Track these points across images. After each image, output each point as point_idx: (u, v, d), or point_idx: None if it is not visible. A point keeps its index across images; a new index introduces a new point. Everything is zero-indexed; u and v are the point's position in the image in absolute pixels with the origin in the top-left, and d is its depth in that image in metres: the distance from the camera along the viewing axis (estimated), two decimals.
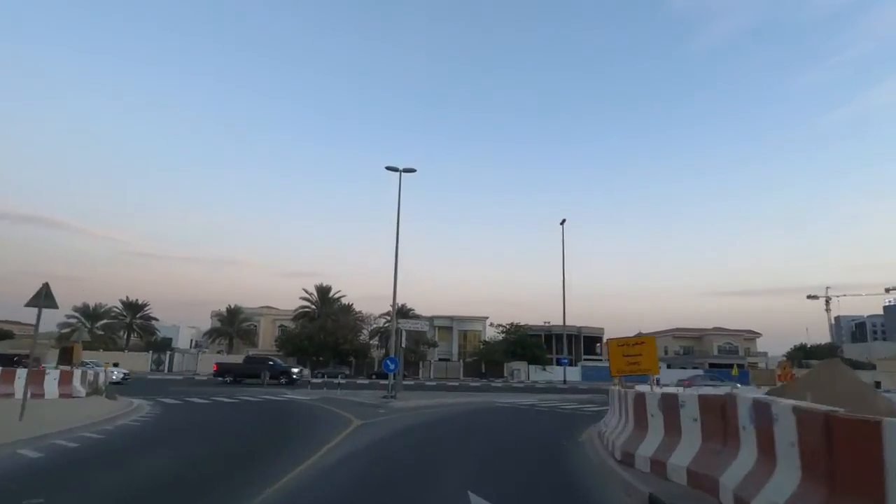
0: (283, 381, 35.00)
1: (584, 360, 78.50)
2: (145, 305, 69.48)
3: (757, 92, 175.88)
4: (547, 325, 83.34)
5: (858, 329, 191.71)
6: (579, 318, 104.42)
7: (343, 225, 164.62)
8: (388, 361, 20.84)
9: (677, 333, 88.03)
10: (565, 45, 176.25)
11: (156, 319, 71.00)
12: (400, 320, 24.18)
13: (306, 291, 62.77)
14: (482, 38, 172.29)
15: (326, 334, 56.51)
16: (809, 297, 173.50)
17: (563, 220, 51.50)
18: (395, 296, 23.72)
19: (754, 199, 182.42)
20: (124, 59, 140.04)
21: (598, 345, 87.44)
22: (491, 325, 72.18)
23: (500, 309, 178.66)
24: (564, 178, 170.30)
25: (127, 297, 68.47)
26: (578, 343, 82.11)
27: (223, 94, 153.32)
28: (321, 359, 60.10)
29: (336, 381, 32.81)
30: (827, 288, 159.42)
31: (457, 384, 44.89)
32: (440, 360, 68.67)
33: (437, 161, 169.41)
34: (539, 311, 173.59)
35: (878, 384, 72.43)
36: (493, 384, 47.51)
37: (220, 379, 36.01)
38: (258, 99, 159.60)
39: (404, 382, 43.30)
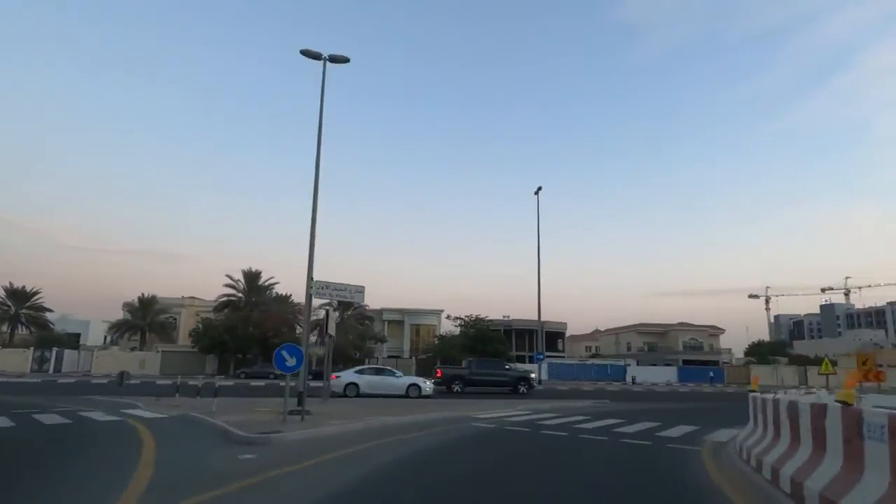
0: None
1: (547, 356, 71.37)
2: (35, 294, 57.06)
3: (708, 103, 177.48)
4: (507, 318, 75.72)
5: (796, 327, 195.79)
6: (542, 311, 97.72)
7: (289, 213, 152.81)
8: (284, 353, 11.37)
9: (641, 329, 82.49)
10: (522, 43, 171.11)
11: (49, 310, 58.64)
12: (318, 282, 15.00)
13: (231, 278, 52.32)
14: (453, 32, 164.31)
15: (252, 326, 46.51)
16: (751, 296, 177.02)
17: (539, 189, 43.55)
18: (313, 252, 14.81)
19: (701, 204, 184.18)
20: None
21: (561, 340, 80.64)
22: (447, 317, 63.79)
23: (455, 304, 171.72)
24: (524, 174, 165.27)
25: (10, 284, 55.98)
26: (540, 337, 74.89)
27: (116, 82, 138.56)
28: (247, 356, 50.04)
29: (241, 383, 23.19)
30: (767, 288, 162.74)
31: None
32: (390, 356, 59.75)
33: (387, 153, 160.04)
34: (496, 306, 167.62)
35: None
36: None
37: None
38: (188, 91, 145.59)
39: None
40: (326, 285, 14.94)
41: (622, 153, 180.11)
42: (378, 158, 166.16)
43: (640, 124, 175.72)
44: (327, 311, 17.20)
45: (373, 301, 61.74)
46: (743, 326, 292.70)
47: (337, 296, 14.20)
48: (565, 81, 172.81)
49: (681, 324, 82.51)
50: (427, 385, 24.73)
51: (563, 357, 75.43)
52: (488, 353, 55.86)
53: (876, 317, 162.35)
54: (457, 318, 59.49)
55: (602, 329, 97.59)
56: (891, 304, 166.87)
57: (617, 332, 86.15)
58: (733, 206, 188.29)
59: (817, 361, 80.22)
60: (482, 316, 59.56)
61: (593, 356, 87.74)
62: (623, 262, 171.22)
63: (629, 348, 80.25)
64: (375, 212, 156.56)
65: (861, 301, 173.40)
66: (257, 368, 45.28)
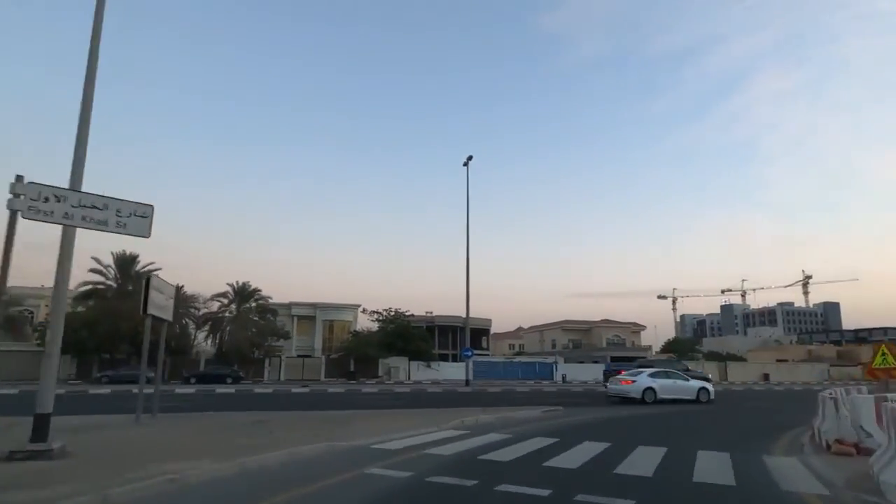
0: None
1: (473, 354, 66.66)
2: None
3: (625, 113, 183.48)
4: (429, 315, 70.14)
5: (700, 326, 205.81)
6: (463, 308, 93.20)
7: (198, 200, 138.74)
8: None
9: (566, 326, 79.86)
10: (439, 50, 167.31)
11: None
12: (31, 185, 7.70)
13: (99, 262, 42.56)
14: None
15: (121, 320, 37.54)
16: (660, 297, 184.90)
17: (469, 159, 37.85)
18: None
19: (614, 212, 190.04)
20: None
21: (485, 338, 76.21)
22: (363, 311, 57.16)
23: (376, 302, 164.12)
24: (447, 170, 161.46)
25: None
26: (464, 334, 70.04)
27: None
28: (116, 356, 40.81)
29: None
30: (674, 290, 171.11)
31: (305, 390, 29.48)
32: (300, 356, 52.24)
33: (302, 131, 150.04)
34: (420, 302, 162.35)
35: (765, 375, 70.44)
36: (364, 387, 32.77)
37: None
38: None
39: (221, 389, 27.05)
40: (52, 194, 7.64)
41: (540, 159, 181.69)
42: (301, 137, 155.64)
43: (561, 131, 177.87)
44: (147, 281, 10.60)
45: (280, 294, 53.99)
46: (653, 325, 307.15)
47: (87, 220, 7.27)
48: (490, 85, 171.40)
49: (604, 320, 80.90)
50: (711, 389, 22.82)
51: (488, 355, 71.07)
52: (408, 351, 49.91)
53: (768, 316, 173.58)
54: (373, 311, 53.07)
55: (526, 327, 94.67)
56: (780, 304, 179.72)
57: (541, 329, 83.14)
58: (645, 214, 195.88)
59: (730, 357, 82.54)
60: (402, 310, 53.51)
61: (517, 354, 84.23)
62: (542, 265, 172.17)
63: (554, 346, 77.34)
64: (289, 199, 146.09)
65: (755, 302, 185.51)
66: (126, 371, 36.59)
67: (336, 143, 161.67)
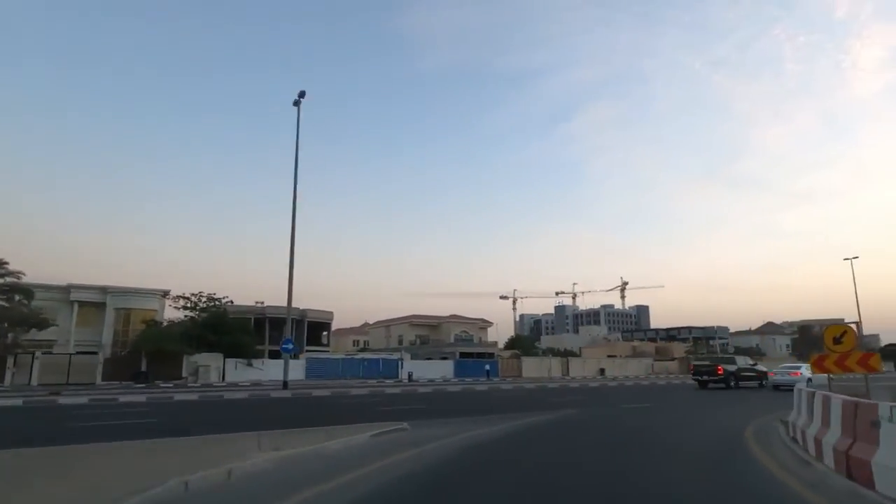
0: None
1: (308, 350, 58.15)
2: None
3: (474, 125, 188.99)
4: (259, 305, 60.09)
5: (536, 325, 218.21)
6: (303, 299, 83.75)
7: None
8: None
9: (414, 321, 74.97)
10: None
11: None
12: None
13: None
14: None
15: None
16: (501, 297, 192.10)
17: (301, 95, 29.42)
18: None
19: (461, 217, 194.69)
20: None
21: (326, 333, 67.97)
22: (163, 295, 45.74)
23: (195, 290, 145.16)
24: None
25: None
26: (301, 329, 61.18)
27: None
28: None
29: None
30: (514, 290, 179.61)
31: (40, 402, 19.36)
32: (80, 352, 39.35)
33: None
34: (250, 292, 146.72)
35: (601, 370, 72.66)
36: (129, 394, 22.92)
37: None
38: None
39: None
40: None
41: (392, 159, 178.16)
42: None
43: (412, 133, 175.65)
44: None
45: (56, 273, 40.29)
46: (496, 324, 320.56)
47: None
48: (339, 82, 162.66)
49: (453, 316, 77.73)
50: None
51: (328, 351, 63.07)
52: (223, 346, 40.17)
53: (594, 316, 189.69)
54: (178, 297, 42.23)
55: (372, 322, 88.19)
56: (603, 306, 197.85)
57: (388, 324, 77.20)
58: (490, 219, 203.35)
59: (569, 353, 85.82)
60: (217, 296, 43.36)
61: (361, 350, 77.40)
62: (391, 263, 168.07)
63: (401, 342, 71.92)
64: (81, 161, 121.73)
65: (584, 303, 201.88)
66: None
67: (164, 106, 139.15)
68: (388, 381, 42.91)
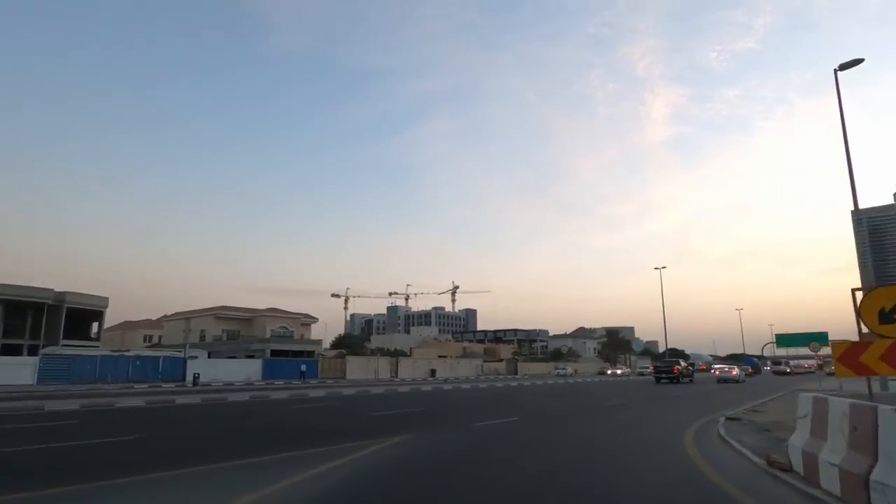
0: None
1: (65, 344, 43.56)
2: None
3: (316, 125, 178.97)
4: None
5: (368, 325, 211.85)
6: (69, 281, 65.56)
7: None
8: None
9: (221, 314, 62.49)
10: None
11: None
12: None
13: None
14: None
15: None
16: (333, 295, 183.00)
17: None
18: None
19: (296, 208, 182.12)
20: None
21: (97, 324, 52.45)
22: None
23: None
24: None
25: None
26: (57, 317, 45.75)
27: None
28: None
29: None
30: (347, 289, 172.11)
31: None
32: None
33: None
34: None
35: (432, 371, 67.97)
36: None
37: None
38: None
39: None
40: None
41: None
42: None
43: (252, 122, 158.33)
44: None
45: None
46: (324, 322, 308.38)
47: None
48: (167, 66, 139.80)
49: (270, 309, 66.92)
50: None
51: (97, 344, 48.36)
52: None
53: (425, 318, 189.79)
54: None
55: (170, 313, 72.83)
56: (435, 308, 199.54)
57: (188, 316, 63.29)
58: (324, 218, 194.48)
59: (399, 353, 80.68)
60: None
61: (153, 346, 62.58)
62: (210, 253, 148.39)
63: (204, 337, 59.21)
64: None
65: (416, 305, 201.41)
66: None
67: None
68: (168, 384, 32.30)
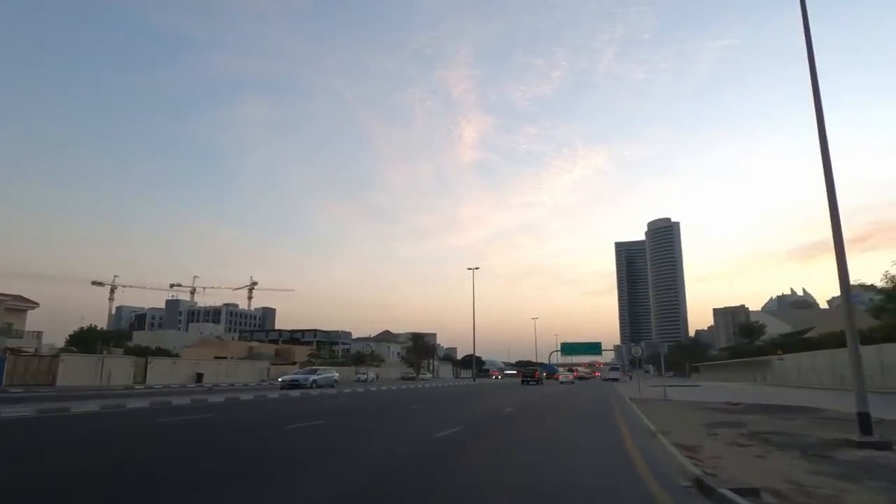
0: None
1: None
2: None
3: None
4: None
5: (139, 319, 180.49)
6: None
7: None
8: None
9: None
10: None
11: None
12: None
13: None
14: None
15: None
16: (95, 283, 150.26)
17: None
18: None
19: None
20: None
21: None
22: None
23: None
24: None
25: None
26: None
27: None
28: None
29: None
30: (115, 277, 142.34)
31: None
32: None
33: None
34: None
35: (198, 376, 52.88)
36: None
37: None
38: None
39: None
40: None
41: None
42: None
43: None
44: None
45: None
46: (79, 315, 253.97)
47: None
48: None
49: None
50: None
51: None
52: None
53: (213, 315, 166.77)
54: None
55: None
56: (226, 304, 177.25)
57: None
58: (90, 192, 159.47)
59: (160, 352, 64.21)
60: None
61: None
62: None
63: None
64: None
65: (205, 300, 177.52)
66: None
67: None
68: None
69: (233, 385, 41.47)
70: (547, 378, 58.77)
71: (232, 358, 63.77)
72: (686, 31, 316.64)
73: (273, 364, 61.93)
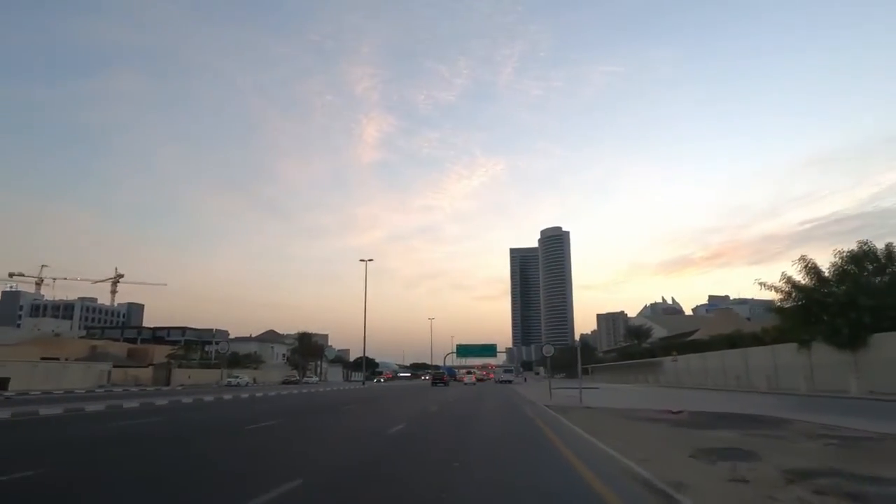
0: None
1: None
2: None
3: None
4: None
5: None
6: None
7: None
8: None
9: None
10: None
11: None
12: None
13: None
14: None
15: None
16: None
17: None
18: None
19: None
20: None
21: None
22: None
23: None
24: None
25: None
26: None
27: None
28: None
29: None
30: None
31: None
32: None
33: None
34: None
35: (3, 382, 41.27)
36: None
37: None
38: None
39: None
40: None
41: None
42: None
43: None
44: None
45: None
46: None
47: None
48: None
49: None
50: None
51: None
52: None
53: (65, 310, 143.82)
54: None
55: None
56: (82, 299, 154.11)
57: None
58: None
59: None
60: None
61: None
62: None
63: None
64: None
65: (55, 293, 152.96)
66: None
67: None
68: None
69: (48, 393, 32.30)
70: (454, 380, 69.44)
71: (67, 359, 52.25)
72: (579, 53, 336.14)
73: (123, 367, 51.60)
